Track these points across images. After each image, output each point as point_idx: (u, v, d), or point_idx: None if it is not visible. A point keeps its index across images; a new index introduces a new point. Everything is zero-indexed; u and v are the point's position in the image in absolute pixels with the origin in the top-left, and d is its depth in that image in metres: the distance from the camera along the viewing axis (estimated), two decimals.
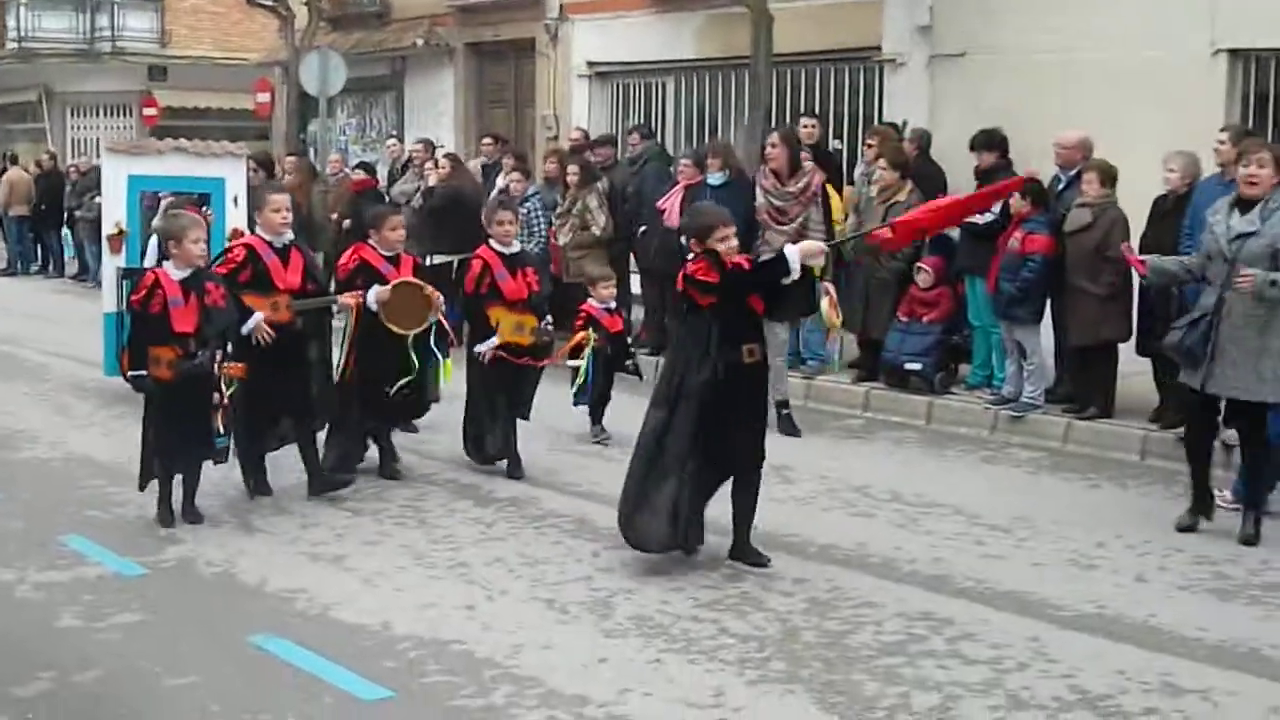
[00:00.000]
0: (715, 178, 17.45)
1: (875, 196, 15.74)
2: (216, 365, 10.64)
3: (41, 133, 43.34)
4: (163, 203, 16.12)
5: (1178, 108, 15.90)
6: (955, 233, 15.04)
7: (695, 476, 9.59)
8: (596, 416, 14.03)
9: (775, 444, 12.21)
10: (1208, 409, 10.76)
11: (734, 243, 9.67)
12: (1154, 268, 11.19)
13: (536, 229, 18.28)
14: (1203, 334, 10.39)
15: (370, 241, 12.41)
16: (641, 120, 23.26)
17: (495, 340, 12.34)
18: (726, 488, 9.88)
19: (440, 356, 12.42)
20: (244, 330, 11.18)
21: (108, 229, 16.54)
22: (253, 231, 13.29)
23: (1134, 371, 14.05)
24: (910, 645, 8.27)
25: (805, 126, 18.46)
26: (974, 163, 15.27)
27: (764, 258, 10.04)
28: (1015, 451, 13.77)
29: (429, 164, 21.22)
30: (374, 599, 9.15)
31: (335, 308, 12.06)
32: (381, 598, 9.18)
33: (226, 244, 14.35)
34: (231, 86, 39.52)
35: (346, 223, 20.90)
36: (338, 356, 12.14)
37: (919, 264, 15.26)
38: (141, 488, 10.89)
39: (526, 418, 12.84)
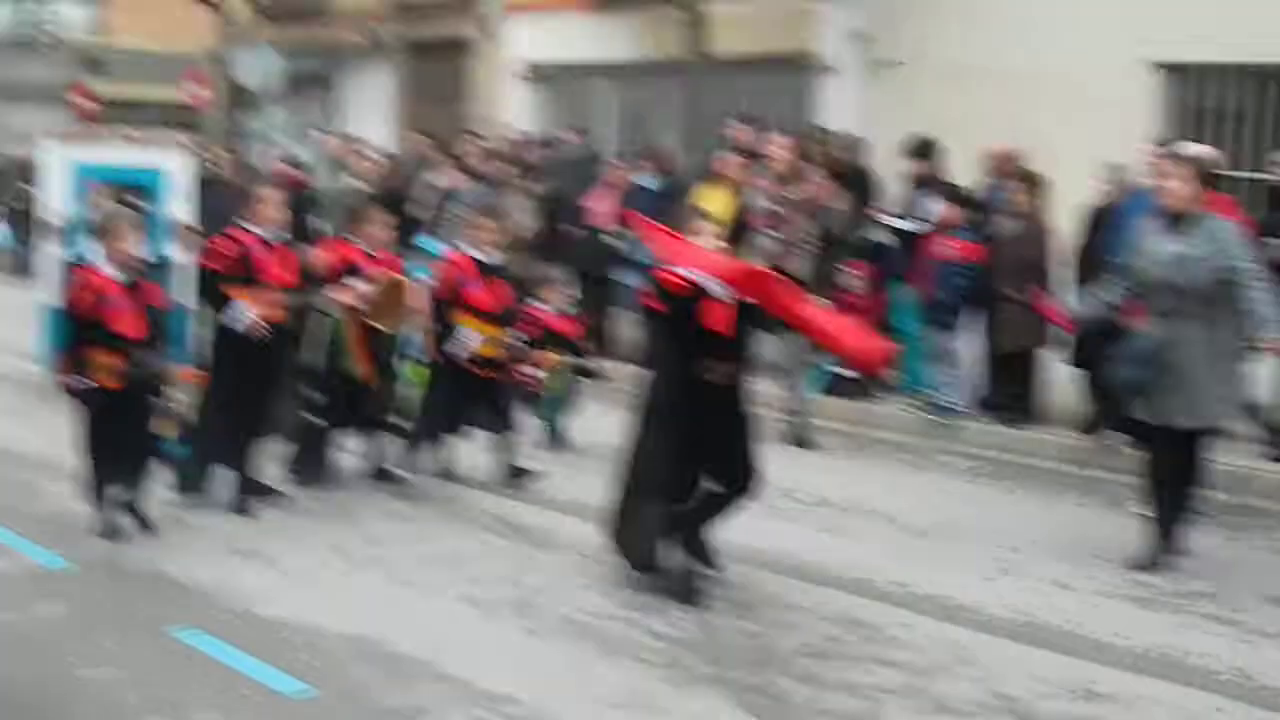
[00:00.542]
0: (648, 180, 17.54)
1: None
2: (160, 368, 10.37)
3: None
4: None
5: (1111, 120, 16.01)
6: (885, 239, 15.15)
7: (675, 493, 9.18)
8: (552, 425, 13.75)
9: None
10: (1166, 440, 10.06)
11: (711, 241, 9.37)
12: (1079, 317, 11.06)
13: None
14: (1153, 367, 9.84)
15: (356, 239, 12.07)
16: (578, 121, 23.27)
17: (470, 340, 11.93)
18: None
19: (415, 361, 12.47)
20: (237, 325, 10.85)
21: (50, 218, 16.11)
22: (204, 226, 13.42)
23: (1059, 379, 14.14)
24: (832, 648, 8.31)
25: (740, 131, 18.52)
26: (904, 169, 15.35)
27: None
28: (942, 458, 13.83)
29: (359, 159, 21.19)
30: (299, 596, 9.11)
31: (324, 302, 11.67)
32: (306, 595, 9.15)
33: (169, 238, 14.56)
34: (168, 79, 39.25)
35: None
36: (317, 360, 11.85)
37: (846, 268, 15.17)
38: (94, 499, 10.30)
39: (501, 431, 12.39)
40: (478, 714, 7.35)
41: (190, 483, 11.17)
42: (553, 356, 13.32)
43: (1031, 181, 14.08)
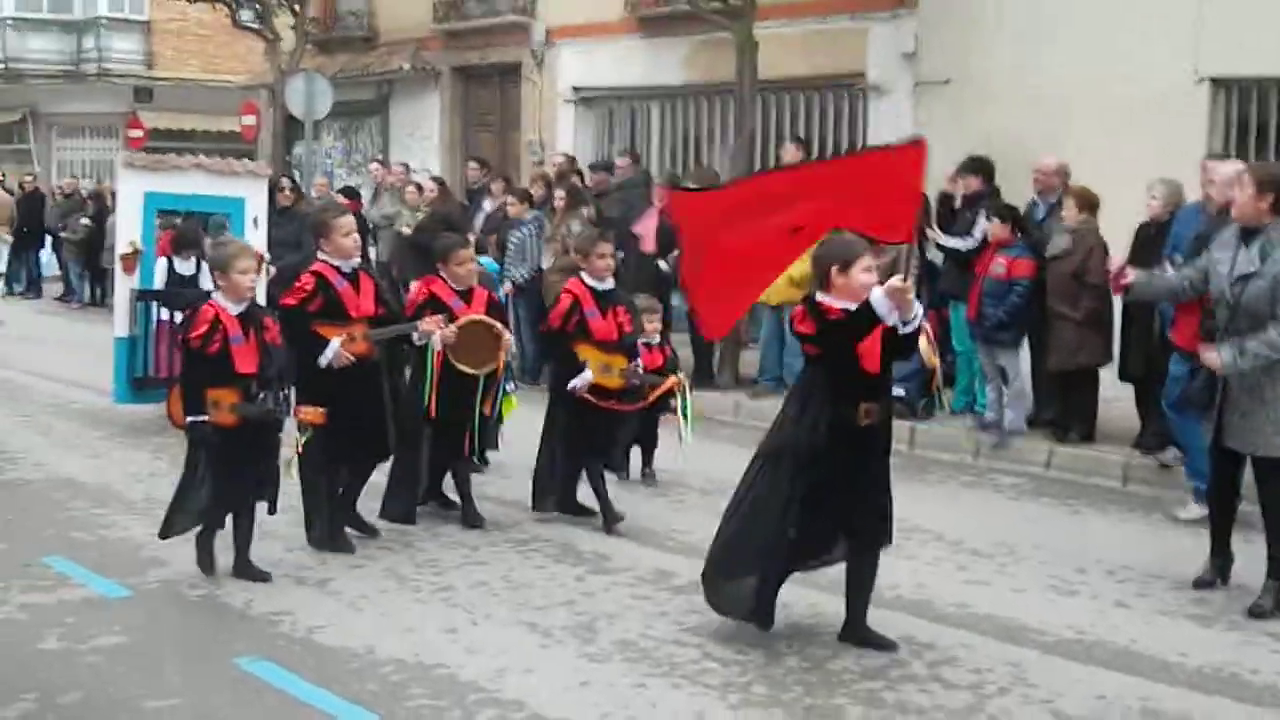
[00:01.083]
0: None
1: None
2: (286, 408, 10.20)
3: (27, 154, 43.35)
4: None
5: (1161, 135, 16.01)
6: (938, 258, 15.14)
7: (791, 545, 8.57)
8: (633, 459, 13.10)
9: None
10: (1226, 461, 9.88)
11: (873, 276, 8.45)
12: (1142, 284, 10.32)
13: (530, 255, 18.36)
14: (1206, 383, 9.83)
15: (440, 274, 11.58)
16: (627, 145, 23.34)
17: (589, 374, 11.48)
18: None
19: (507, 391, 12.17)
20: (322, 361, 10.46)
21: (122, 248, 15.78)
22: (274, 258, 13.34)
23: (1115, 397, 14.12)
24: (891, 670, 8.29)
25: (789, 152, 18.57)
26: (958, 189, 15.32)
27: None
28: (997, 477, 13.81)
29: (409, 188, 21.33)
30: (358, 622, 9.14)
31: (416, 335, 11.09)
32: (365, 621, 9.17)
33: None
34: (217, 109, 39.57)
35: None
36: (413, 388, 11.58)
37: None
38: (165, 535, 10.07)
39: (620, 470, 12.33)
40: None
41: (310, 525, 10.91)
42: (673, 381, 12.36)
43: (1083, 198, 14.05)
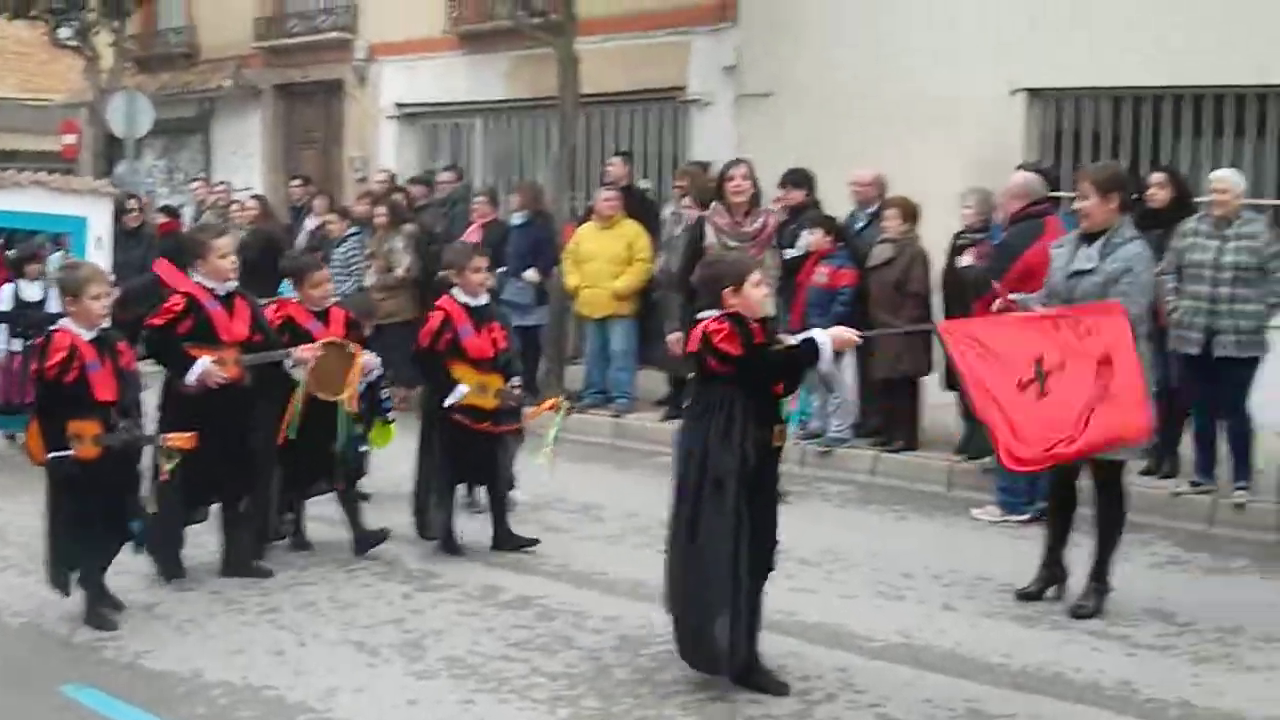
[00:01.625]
0: (517, 217, 17.63)
1: (681, 234, 15.88)
2: (147, 435, 9.55)
3: None
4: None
5: (977, 146, 16.20)
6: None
7: (746, 575, 8.12)
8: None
9: (585, 482, 12.33)
10: (1063, 468, 9.84)
11: (765, 290, 8.54)
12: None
13: (355, 271, 18.25)
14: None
15: (295, 296, 11.30)
16: (450, 161, 23.29)
17: (464, 388, 11.03)
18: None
19: (381, 419, 11.98)
20: (190, 378, 9.97)
21: None
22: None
23: (939, 404, 14.29)
24: (720, 680, 8.28)
25: (612, 165, 18.61)
26: (779, 200, 15.42)
27: (791, 340, 8.35)
28: (823, 485, 13.93)
29: (234, 206, 21.14)
30: (184, 645, 9.01)
31: (289, 361, 10.69)
32: (192, 644, 9.05)
33: None
34: (37, 128, 38.91)
35: None
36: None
37: None
38: (60, 583, 9.43)
39: (506, 489, 11.71)
40: None
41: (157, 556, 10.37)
42: (553, 401, 11.69)
43: (905, 208, 14.22)
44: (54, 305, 15.03)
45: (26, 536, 11.51)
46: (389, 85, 26.00)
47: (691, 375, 8.57)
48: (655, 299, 16.62)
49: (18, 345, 14.77)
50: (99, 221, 15.38)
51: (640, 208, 17.79)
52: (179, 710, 7.96)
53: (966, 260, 13.15)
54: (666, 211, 17.57)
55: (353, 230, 18.77)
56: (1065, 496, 10.14)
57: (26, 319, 14.68)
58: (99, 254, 14.96)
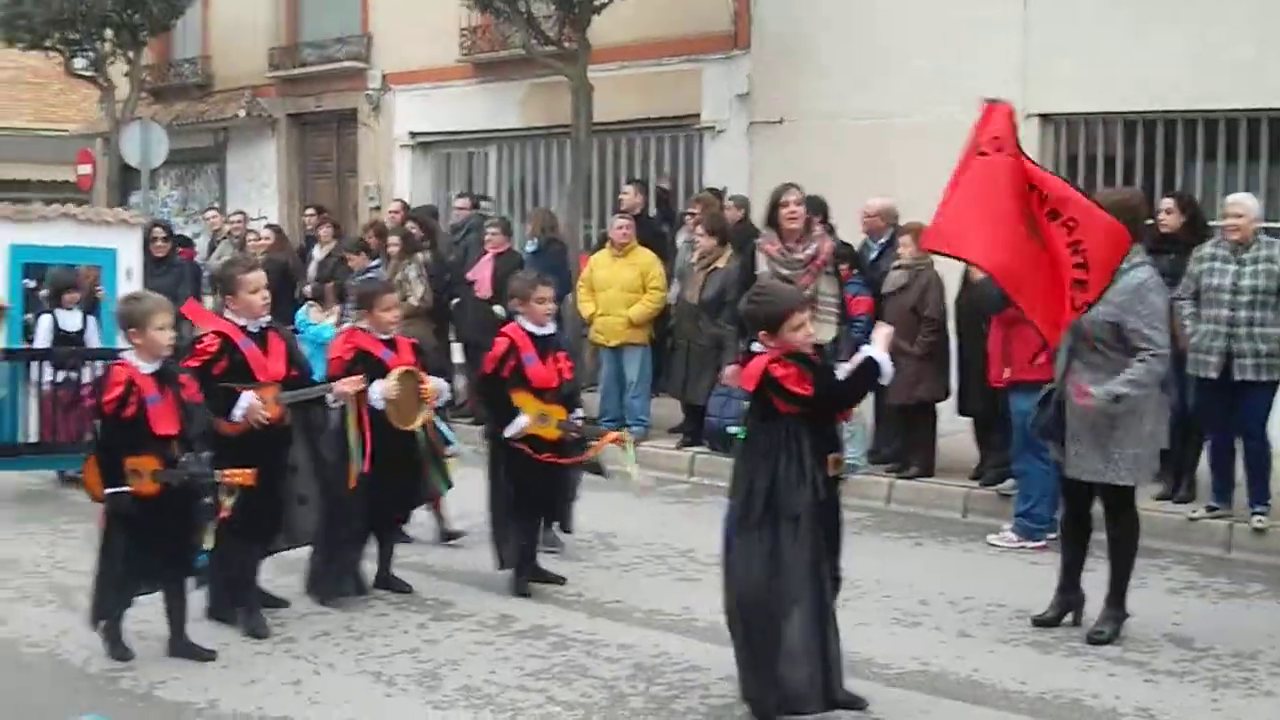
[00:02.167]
0: (530, 244, 17.63)
1: (695, 262, 15.91)
2: (207, 472, 9.06)
3: None
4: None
5: None
6: None
7: (828, 607, 8.10)
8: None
9: (601, 511, 12.29)
10: (1076, 493, 9.93)
11: (810, 329, 8.29)
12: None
13: None
14: (1054, 412, 9.79)
15: (362, 325, 10.88)
16: (465, 189, 23.32)
17: (525, 420, 10.70)
18: None
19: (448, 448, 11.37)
20: (236, 414, 9.53)
21: None
22: None
23: (954, 430, 14.27)
24: (737, 708, 8.26)
25: (627, 194, 18.63)
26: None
27: (851, 365, 8.24)
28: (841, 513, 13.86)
29: (250, 235, 21.16)
30: (200, 676, 8.97)
31: (331, 397, 10.33)
32: (207, 674, 9.00)
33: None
34: (52, 159, 38.98)
35: None
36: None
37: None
38: (97, 624, 9.25)
39: (565, 528, 11.56)
40: None
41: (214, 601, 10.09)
42: (615, 436, 11.33)
43: (918, 234, 14.19)
44: (93, 332, 15.16)
45: (42, 567, 11.57)
46: (403, 114, 26.09)
47: (748, 410, 8.34)
48: (670, 326, 16.62)
49: (61, 376, 14.69)
50: (128, 252, 15.29)
51: (652, 236, 17.79)
52: None
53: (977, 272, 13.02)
54: (680, 239, 17.58)
55: (374, 263, 18.74)
56: (1079, 522, 10.07)
57: (65, 354, 14.71)
58: (129, 285, 14.74)
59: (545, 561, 11.40)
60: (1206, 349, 12.18)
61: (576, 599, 10.71)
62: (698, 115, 21.17)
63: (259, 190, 29.17)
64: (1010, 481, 13.07)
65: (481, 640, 9.72)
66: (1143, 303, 9.39)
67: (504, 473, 10.93)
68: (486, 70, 24.38)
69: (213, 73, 30.63)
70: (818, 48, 18.85)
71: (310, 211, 22.87)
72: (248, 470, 9.02)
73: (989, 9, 17.36)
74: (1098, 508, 9.94)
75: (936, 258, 14.10)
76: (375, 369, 10.47)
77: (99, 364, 14.49)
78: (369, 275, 18.04)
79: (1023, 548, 12.22)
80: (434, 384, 10.77)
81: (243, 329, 9.83)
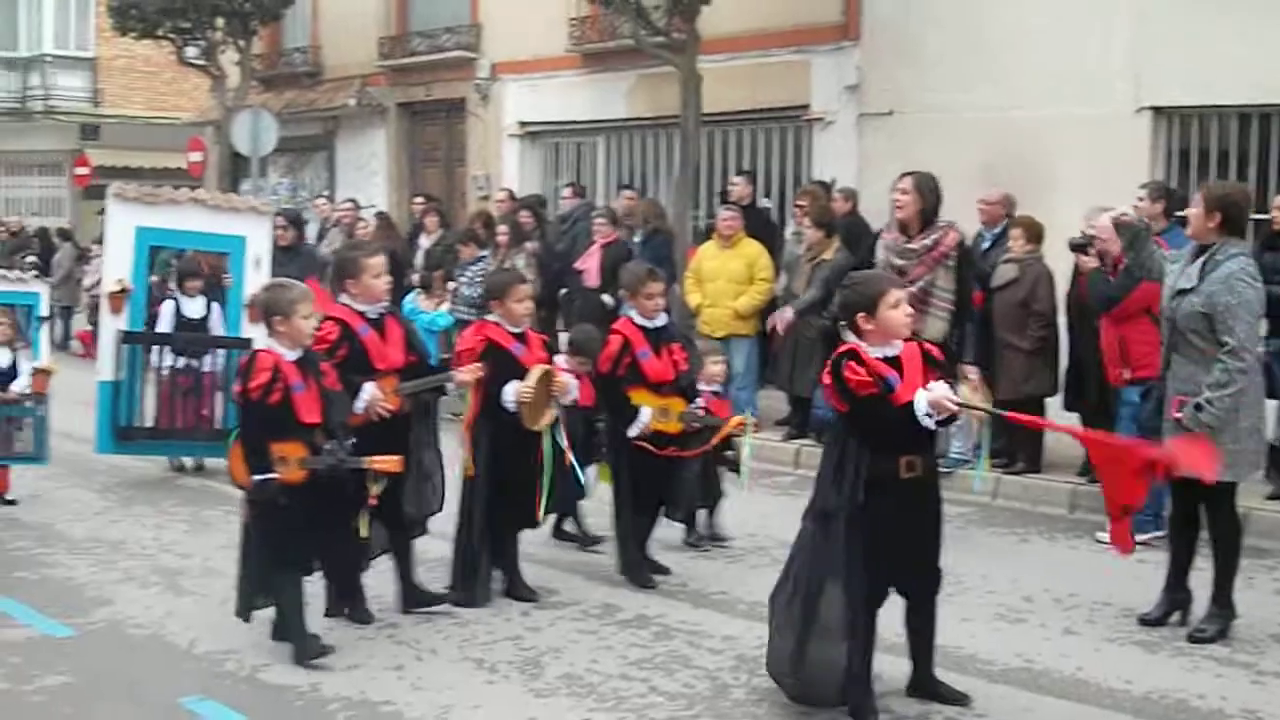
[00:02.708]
0: (637, 234, 17.61)
1: (803, 254, 15.87)
2: (353, 458, 9.00)
3: None
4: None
5: (1102, 164, 16.08)
6: None
7: (864, 608, 8.00)
8: (709, 516, 12.20)
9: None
10: (1183, 492, 9.81)
11: (905, 309, 8.01)
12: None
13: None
14: (1155, 406, 9.78)
15: (493, 316, 10.44)
16: (573, 179, 23.36)
17: (647, 416, 10.61)
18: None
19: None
20: (357, 406, 9.40)
21: (108, 285, 14.78)
22: None
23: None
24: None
25: (735, 185, 18.58)
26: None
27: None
28: (945, 506, 13.77)
29: (359, 224, 21.26)
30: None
31: (451, 386, 10.31)
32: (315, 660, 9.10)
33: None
34: (164, 146, 39.45)
35: None
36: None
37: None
38: (244, 614, 9.19)
39: (685, 522, 11.65)
40: None
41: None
42: (736, 421, 11.34)
43: (1030, 228, 14.11)
44: (217, 320, 15.13)
45: (148, 549, 11.70)
46: (512, 104, 26.18)
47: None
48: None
49: (182, 363, 14.77)
50: (257, 240, 15.13)
51: (762, 227, 17.75)
52: None
53: (1087, 259, 12.86)
54: (788, 231, 17.53)
55: (483, 253, 18.77)
56: (1187, 520, 9.97)
57: (185, 339, 14.78)
58: (257, 275, 14.58)
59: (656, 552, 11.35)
60: None
61: (681, 589, 10.71)
62: (806, 106, 21.10)
63: (368, 179, 29.33)
64: None
65: (584, 629, 9.74)
66: (1231, 292, 9.27)
67: (626, 473, 10.79)
68: (595, 60, 24.42)
69: (322, 61, 30.85)
70: (929, 39, 18.76)
71: (418, 200, 22.96)
72: (394, 457, 9.07)
73: (1102, 1, 17.22)
74: None
75: (1046, 250, 14.07)
76: (505, 362, 10.13)
77: (220, 352, 14.78)
78: (478, 265, 18.15)
79: (1137, 543, 12.06)
80: (564, 380, 10.42)
81: (361, 315, 9.71)
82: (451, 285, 18.58)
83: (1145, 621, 9.91)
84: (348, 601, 9.89)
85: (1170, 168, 16.78)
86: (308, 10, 30.84)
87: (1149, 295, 10.89)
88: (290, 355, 8.94)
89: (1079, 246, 12.78)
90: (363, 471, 9.02)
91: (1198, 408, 9.27)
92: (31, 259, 29.00)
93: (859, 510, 7.78)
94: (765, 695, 8.42)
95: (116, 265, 14.79)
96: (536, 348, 10.41)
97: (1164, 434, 9.49)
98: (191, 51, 30.24)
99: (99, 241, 26.67)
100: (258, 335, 11.67)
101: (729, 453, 11.86)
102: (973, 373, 8.68)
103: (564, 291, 18.33)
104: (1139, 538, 11.90)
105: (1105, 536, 12.13)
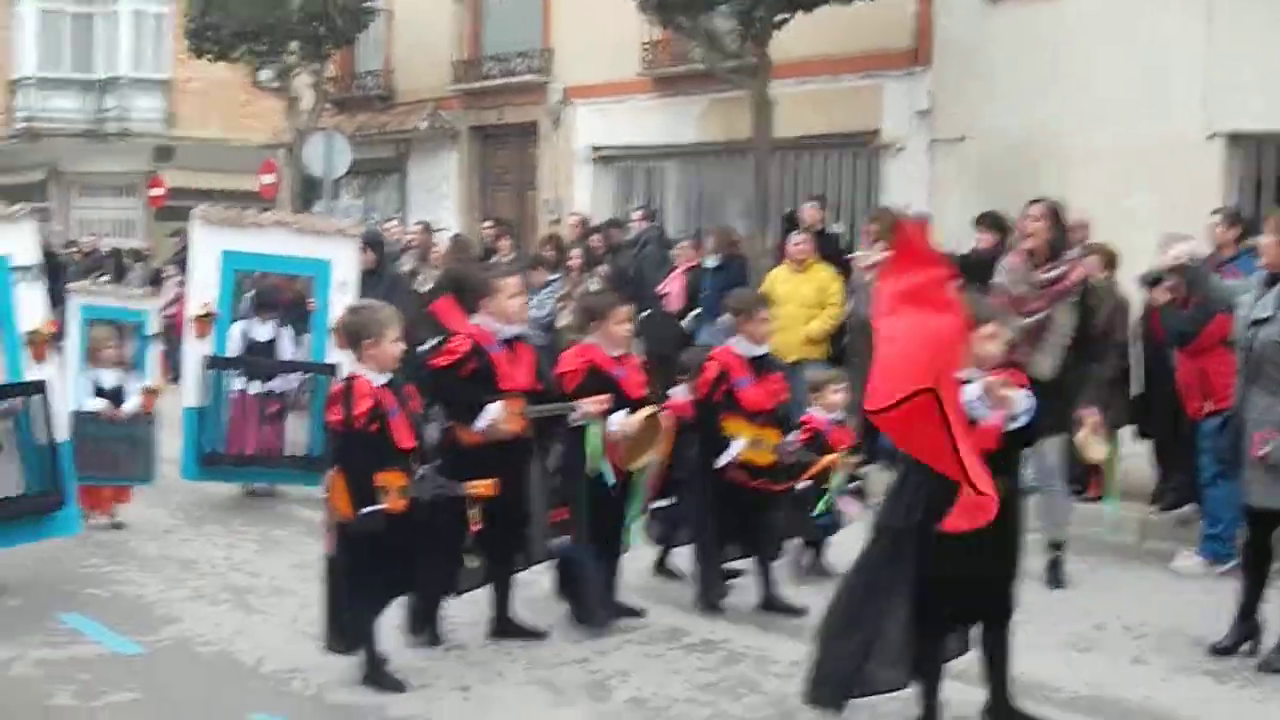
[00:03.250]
0: (710, 260, 17.60)
1: (871, 280, 15.81)
2: (452, 484, 9.00)
3: (48, 213, 43.49)
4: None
5: (1175, 190, 16.00)
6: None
7: (921, 631, 7.86)
8: (814, 550, 11.89)
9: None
10: (1256, 521, 9.69)
11: (999, 344, 7.94)
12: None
13: (550, 314, 18.31)
14: (1232, 437, 9.66)
15: (592, 339, 10.19)
16: (643, 203, 23.37)
17: (738, 448, 10.38)
18: None
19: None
20: (479, 425, 9.27)
21: (193, 309, 14.47)
22: None
23: (1133, 453, 14.06)
24: None
25: (807, 210, 18.54)
26: (974, 244, 15.30)
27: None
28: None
29: (431, 247, 21.33)
30: None
31: (575, 416, 9.79)
32: None
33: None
34: (237, 168, 39.68)
35: None
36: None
37: None
38: (351, 650, 9.02)
39: (773, 557, 10.98)
40: None
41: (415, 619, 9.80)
42: (831, 459, 11.10)
43: (1105, 255, 14.03)
44: (287, 344, 14.96)
45: (219, 568, 11.77)
46: (583, 128, 26.24)
47: None
48: (845, 344, 16.54)
49: (255, 387, 14.52)
50: (343, 264, 14.74)
51: (833, 252, 17.71)
52: None
53: (1159, 293, 12.76)
54: (857, 255, 17.48)
55: (553, 277, 18.79)
56: (1259, 549, 9.86)
57: (264, 364, 14.60)
58: (344, 298, 14.06)
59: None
60: None
61: (748, 613, 10.67)
62: (877, 132, 21.11)
63: (438, 202, 29.45)
64: (1190, 506, 12.87)
65: (652, 652, 9.73)
66: None
67: (711, 503, 10.53)
68: (666, 85, 24.47)
69: (395, 85, 31.03)
70: (1001, 64, 18.72)
71: (487, 224, 23.01)
72: (489, 481, 8.96)
73: (1173, 26, 17.17)
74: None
75: (1120, 279, 13.97)
76: (606, 386, 9.91)
77: (294, 375, 14.61)
78: (547, 289, 18.18)
79: (1209, 573, 11.98)
80: (666, 427, 10.34)
81: (493, 334, 9.56)
82: None
83: (1216, 650, 9.81)
84: (425, 625, 9.80)
85: (1242, 194, 16.67)
86: (381, 34, 31.03)
87: (1225, 327, 10.80)
88: (379, 380, 8.82)
89: (1153, 281, 12.69)
90: (464, 498, 8.94)
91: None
92: (104, 280, 29.25)
93: (920, 529, 7.69)
94: None
95: (202, 289, 14.51)
96: (633, 370, 10.29)
97: (1245, 469, 9.45)
98: (266, 74, 30.46)
99: (172, 263, 26.94)
100: (344, 360, 11.05)
101: (857, 485, 11.48)
102: (1091, 415, 8.51)
103: (645, 314, 18.33)
104: (1220, 568, 11.84)
105: (1182, 564, 12.07)
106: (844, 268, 17.34)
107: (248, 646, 9.78)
